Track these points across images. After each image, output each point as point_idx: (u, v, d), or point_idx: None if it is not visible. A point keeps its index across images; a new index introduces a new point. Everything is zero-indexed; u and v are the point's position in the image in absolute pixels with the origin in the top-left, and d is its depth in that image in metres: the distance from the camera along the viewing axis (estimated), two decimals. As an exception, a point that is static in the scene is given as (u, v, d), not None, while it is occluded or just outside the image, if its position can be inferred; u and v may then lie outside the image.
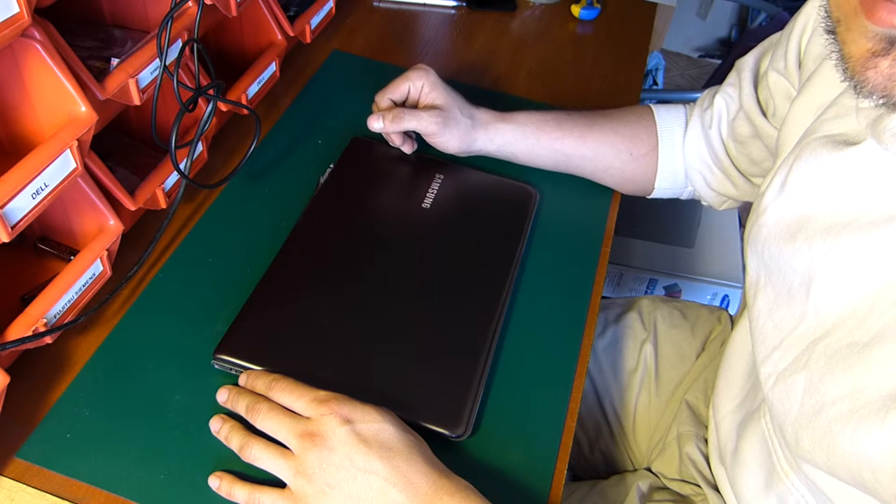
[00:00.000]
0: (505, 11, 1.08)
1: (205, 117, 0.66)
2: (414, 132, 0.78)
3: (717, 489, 0.67)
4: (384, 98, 0.76)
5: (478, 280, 0.67)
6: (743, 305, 0.66)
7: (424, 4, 1.07)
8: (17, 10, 0.46)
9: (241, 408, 0.55)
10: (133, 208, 0.62)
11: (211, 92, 0.65)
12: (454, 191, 0.76)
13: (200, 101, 0.67)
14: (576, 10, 1.09)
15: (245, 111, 0.74)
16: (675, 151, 0.77)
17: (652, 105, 0.79)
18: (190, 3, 0.62)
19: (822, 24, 0.42)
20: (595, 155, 0.77)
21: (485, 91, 0.93)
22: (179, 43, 0.61)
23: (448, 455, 0.53)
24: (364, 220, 0.71)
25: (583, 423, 0.83)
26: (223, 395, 0.56)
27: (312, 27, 0.88)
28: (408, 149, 0.78)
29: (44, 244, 0.63)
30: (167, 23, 0.58)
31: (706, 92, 0.77)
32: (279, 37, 0.81)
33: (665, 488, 0.74)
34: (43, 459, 0.53)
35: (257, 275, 0.65)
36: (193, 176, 0.71)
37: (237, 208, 0.73)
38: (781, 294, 0.51)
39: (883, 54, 0.37)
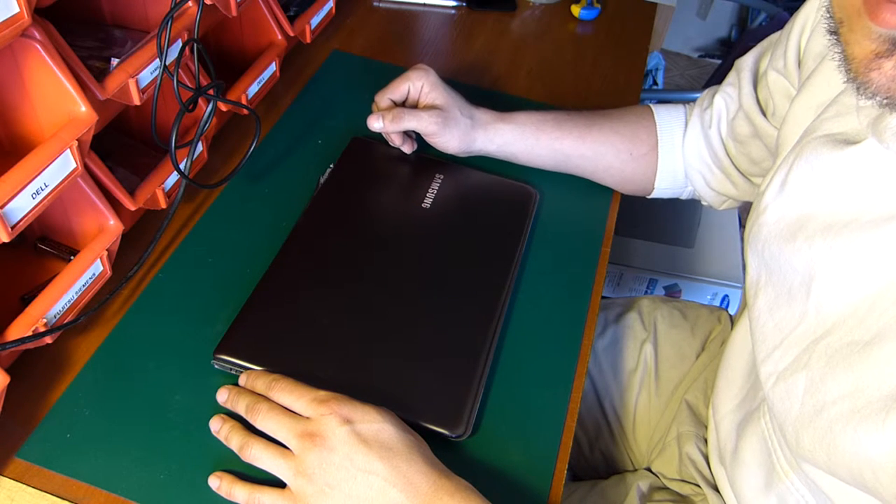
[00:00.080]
0: (505, 11, 1.08)
1: (205, 117, 0.66)
2: (414, 132, 0.78)
3: (716, 489, 0.67)
4: (384, 98, 0.76)
5: (478, 280, 0.67)
6: (743, 305, 0.66)
7: (424, 4, 1.07)
8: (17, 10, 0.46)
9: (241, 408, 0.55)
10: (133, 208, 0.62)
11: (211, 92, 0.65)
12: (454, 191, 0.76)
13: (200, 101, 0.67)
14: (576, 10, 1.09)
15: (245, 111, 0.74)
16: (675, 151, 0.77)
17: (652, 105, 0.79)
18: (190, 3, 0.62)
19: (825, 25, 0.42)
20: (595, 155, 0.77)
21: (485, 91, 0.93)
22: (179, 43, 0.61)
23: (448, 455, 0.53)
24: (364, 220, 0.71)
25: (583, 423, 0.83)
26: (223, 395, 0.57)
27: (312, 27, 0.88)
28: (408, 149, 0.78)
29: (44, 244, 0.63)
30: (167, 23, 0.58)
31: (706, 92, 0.77)
32: (279, 37, 0.81)
33: (665, 488, 0.74)
34: (43, 459, 0.53)
35: (257, 275, 0.65)
36: (193, 176, 0.71)
37: (237, 208, 0.73)
38: (782, 293, 0.51)
39: (887, 56, 0.37)
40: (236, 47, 0.84)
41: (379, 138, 0.79)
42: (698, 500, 0.69)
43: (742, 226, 1.49)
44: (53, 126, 0.53)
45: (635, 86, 0.98)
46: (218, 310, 0.63)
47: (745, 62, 0.71)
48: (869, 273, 0.45)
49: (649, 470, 0.77)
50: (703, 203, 0.80)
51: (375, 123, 0.74)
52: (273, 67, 0.80)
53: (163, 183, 0.65)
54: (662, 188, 0.79)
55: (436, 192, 0.75)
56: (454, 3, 1.07)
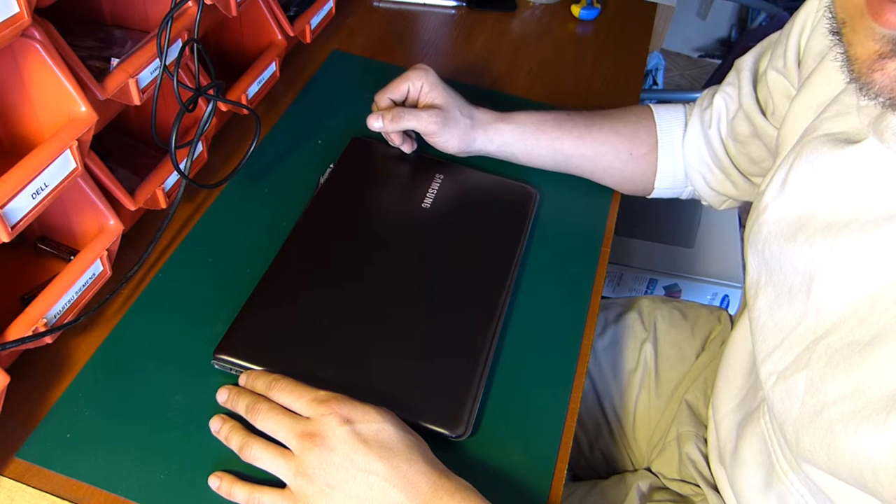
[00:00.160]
0: (505, 11, 1.08)
1: (205, 117, 0.66)
2: (414, 132, 0.78)
3: (716, 489, 0.66)
4: (384, 98, 0.76)
5: (478, 280, 0.67)
6: (743, 305, 0.66)
7: (424, 4, 1.07)
8: (17, 10, 0.46)
9: (241, 408, 0.55)
10: (133, 208, 0.62)
11: (211, 92, 0.65)
12: (454, 191, 0.76)
13: (200, 101, 0.67)
14: (576, 10, 1.09)
15: (245, 111, 0.74)
16: (675, 151, 0.77)
17: (652, 105, 0.79)
18: (190, 3, 0.62)
19: (827, 25, 0.42)
20: (595, 155, 0.77)
21: (485, 91, 0.93)
22: (179, 43, 0.61)
23: (448, 455, 0.53)
24: (364, 220, 0.71)
25: (583, 423, 0.83)
26: (223, 395, 0.56)
27: (312, 27, 0.88)
28: (407, 148, 0.78)
29: (44, 244, 0.63)
30: (167, 23, 0.58)
31: (706, 92, 0.77)
32: (279, 37, 0.81)
33: (665, 488, 0.74)
34: (43, 459, 0.53)
35: (257, 275, 0.65)
36: (193, 176, 0.71)
37: (237, 208, 0.73)
38: (782, 293, 0.51)
39: (890, 56, 0.37)
40: (236, 47, 0.84)
41: (379, 138, 0.79)
42: (698, 500, 0.69)
43: (742, 226, 1.49)
44: (53, 126, 0.53)
45: (635, 86, 0.98)
46: (218, 310, 0.63)
47: (745, 62, 0.71)
48: (869, 273, 0.45)
49: (649, 470, 0.77)
50: (703, 203, 0.80)
51: (375, 123, 0.75)
52: (273, 67, 0.80)
53: (163, 183, 0.65)
54: (662, 188, 0.79)
55: (436, 192, 0.75)
56: (454, 3, 1.07)
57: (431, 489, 0.49)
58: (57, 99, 0.52)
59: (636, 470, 0.80)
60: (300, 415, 0.53)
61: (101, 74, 0.56)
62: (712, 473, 0.68)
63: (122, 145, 0.72)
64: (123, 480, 0.52)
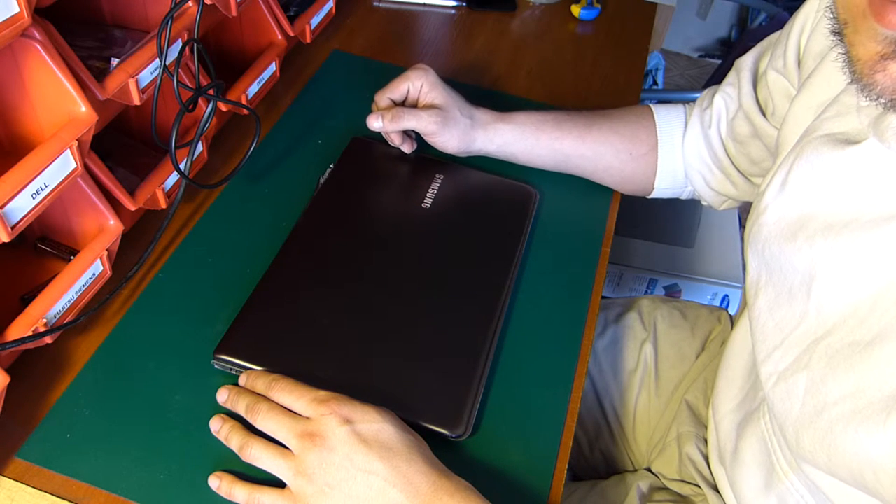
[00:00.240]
0: (505, 11, 1.08)
1: (205, 117, 0.66)
2: (414, 132, 0.78)
3: (716, 489, 0.66)
4: (383, 97, 0.76)
5: (478, 280, 0.67)
6: (743, 305, 0.66)
7: (424, 4, 1.07)
8: (17, 10, 0.46)
9: (241, 408, 0.55)
10: (133, 208, 0.62)
11: (211, 92, 0.65)
12: (454, 191, 0.76)
13: (200, 101, 0.67)
14: (576, 10, 1.09)
15: (245, 111, 0.74)
16: (675, 151, 0.77)
17: (652, 105, 0.79)
18: (190, 3, 0.62)
19: (828, 26, 0.42)
20: (594, 155, 0.77)
21: (485, 91, 0.93)
22: (179, 43, 0.61)
23: (448, 455, 0.53)
24: (364, 220, 0.71)
25: (583, 423, 0.83)
26: (223, 395, 0.56)
27: (312, 27, 0.88)
28: (407, 148, 0.78)
29: (44, 244, 0.63)
30: (167, 23, 0.58)
31: (706, 92, 0.77)
32: (279, 37, 0.81)
33: (665, 488, 0.74)
34: (43, 459, 0.53)
35: (257, 275, 0.65)
36: (193, 176, 0.71)
37: (237, 208, 0.73)
38: (782, 293, 0.51)
39: (892, 57, 0.37)
40: (236, 47, 0.84)
41: (379, 138, 0.79)
42: (698, 500, 0.69)
43: (742, 226, 1.49)
44: (53, 126, 0.53)
45: (635, 86, 0.98)
46: (218, 310, 0.63)
47: (745, 62, 0.71)
48: (870, 273, 0.44)
49: (649, 470, 0.77)
50: (703, 203, 0.80)
51: (375, 123, 0.75)
52: (273, 67, 0.80)
53: (163, 183, 0.65)
54: (662, 188, 0.79)
55: (436, 192, 0.75)
56: (454, 3, 1.07)
57: (431, 489, 0.49)
58: (57, 99, 0.52)
59: (636, 470, 0.80)
60: (300, 415, 0.53)
61: (101, 74, 0.56)
62: (712, 474, 0.68)
63: (122, 145, 0.72)
64: (123, 480, 0.52)
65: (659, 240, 1.41)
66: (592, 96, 0.95)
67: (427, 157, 0.79)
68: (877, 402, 0.42)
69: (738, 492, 0.60)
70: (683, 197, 0.81)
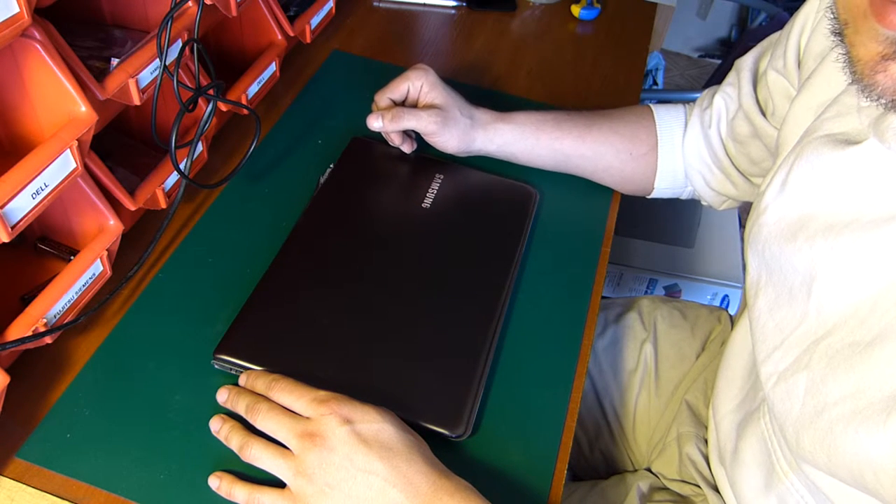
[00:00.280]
0: (505, 11, 1.08)
1: (205, 117, 0.66)
2: (413, 132, 0.78)
3: (716, 489, 0.66)
4: (383, 97, 0.76)
5: (478, 280, 0.67)
6: (743, 305, 0.66)
7: (424, 4, 1.07)
8: (17, 10, 0.46)
9: (240, 408, 0.55)
10: (133, 208, 0.62)
11: (211, 92, 0.65)
12: (454, 191, 0.76)
13: (200, 101, 0.67)
14: (576, 10, 1.09)
15: (245, 111, 0.74)
16: (675, 151, 0.77)
17: (652, 105, 0.79)
18: (190, 3, 0.62)
19: (828, 26, 0.42)
20: (594, 155, 0.77)
21: (485, 91, 0.93)
22: (179, 43, 0.61)
23: (448, 455, 0.53)
24: (364, 220, 0.71)
25: (583, 423, 0.83)
26: (223, 395, 0.56)
27: (312, 27, 0.88)
28: (407, 148, 0.78)
29: (44, 244, 0.63)
30: (167, 23, 0.58)
31: (706, 92, 0.77)
32: (279, 37, 0.81)
33: (665, 489, 0.74)
34: (43, 459, 0.53)
35: (257, 275, 0.65)
36: (193, 176, 0.71)
37: (237, 208, 0.73)
38: (782, 293, 0.51)
39: (893, 58, 0.37)
40: (236, 47, 0.84)
41: (379, 138, 0.79)
42: (698, 500, 0.69)
43: (742, 226, 1.49)
44: (53, 126, 0.53)
45: (635, 86, 0.98)
46: (218, 310, 0.63)
47: (745, 62, 0.71)
48: (870, 273, 0.44)
49: (649, 470, 0.77)
50: (703, 203, 0.80)
51: (375, 123, 0.74)
52: (273, 67, 0.80)
53: (163, 183, 0.65)
54: (662, 188, 0.79)
55: (436, 192, 0.75)
56: (454, 3, 1.07)
57: (431, 489, 0.49)
58: (57, 99, 0.52)
59: (636, 470, 0.80)
60: (300, 415, 0.53)
61: (101, 74, 0.56)
62: (712, 474, 0.68)
63: (122, 145, 0.72)
64: (123, 480, 0.52)
65: (659, 240, 1.41)
66: (592, 96, 0.95)
67: (427, 157, 0.79)
68: (877, 403, 0.42)
69: (739, 492, 0.60)
70: (683, 197, 0.81)
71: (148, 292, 0.64)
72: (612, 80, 0.98)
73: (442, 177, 0.77)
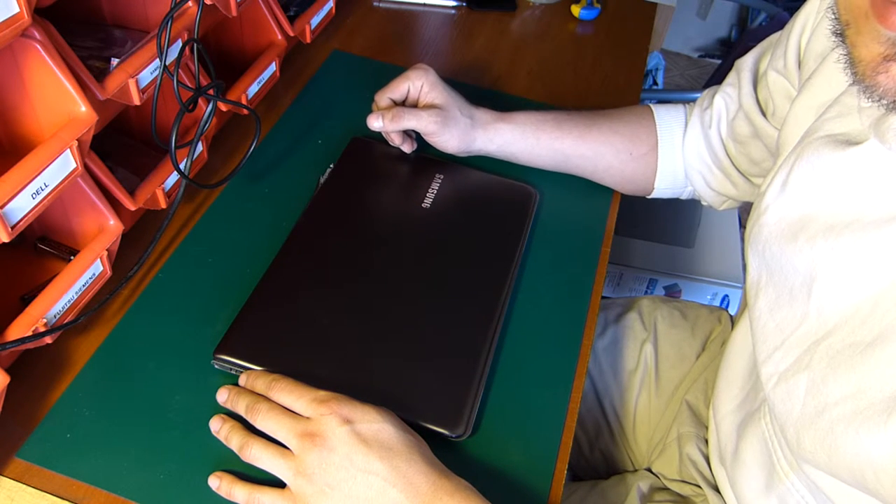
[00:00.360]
0: (505, 11, 1.08)
1: (205, 117, 0.66)
2: (414, 132, 0.78)
3: (717, 490, 0.66)
4: (384, 97, 0.76)
5: (478, 280, 0.67)
6: (743, 305, 0.66)
7: (424, 4, 1.07)
8: (17, 10, 0.46)
9: (240, 408, 0.55)
10: (133, 208, 0.62)
11: (211, 92, 0.65)
12: (454, 191, 0.76)
13: (200, 101, 0.67)
14: (576, 10, 1.09)
15: (245, 111, 0.74)
16: (675, 151, 0.77)
17: (652, 105, 0.79)
18: (190, 3, 0.62)
19: (829, 26, 0.42)
20: (594, 155, 0.77)
21: (485, 91, 0.93)
22: (179, 43, 0.61)
23: (448, 455, 0.53)
24: (364, 220, 0.71)
25: (583, 423, 0.83)
26: (223, 395, 0.56)
27: (312, 27, 0.87)
28: (407, 148, 0.78)
29: (44, 244, 0.63)
30: (167, 23, 0.58)
31: (706, 92, 0.77)
32: (279, 37, 0.81)
33: (665, 489, 0.74)
34: (43, 459, 0.53)
35: (257, 275, 0.65)
36: (193, 176, 0.71)
37: (237, 208, 0.73)
38: (783, 294, 0.51)
39: (895, 59, 0.37)
40: (236, 47, 0.84)
41: (379, 138, 0.79)
42: (699, 500, 0.69)
43: (742, 226, 1.49)
44: (53, 126, 0.53)
45: (635, 86, 0.98)
46: (218, 310, 0.63)
47: (745, 62, 0.71)
48: (871, 274, 0.44)
49: (649, 470, 0.77)
50: (703, 203, 0.80)
51: (375, 123, 0.74)
52: (273, 67, 0.80)
53: (163, 183, 0.65)
54: (662, 188, 0.79)
55: (436, 191, 0.75)
56: (454, 3, 1.07)
57: (431, 489, 0.49)
58: (57, 99, 0.52)
59: (636, 470, 0.80)
60: (300, 415, 0.53)
61: (101, 74, 0.56)
62: (713, 474, 0.68)
63: (122, 145, 0.72)
64: (123, 480, 0.52)
65: (659, 240, 1.41)
66: (592, 96, 0.95)
67: (427, 157, 0.79)
68: (878, 403, 0.42)
69: (739, 492, 0.60)
70: (683, 197, 0.81)
71: (148, 292, 0.64)
72: (612, 80, 0.98)
73: (442, 177, 0.77)
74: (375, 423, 0.51)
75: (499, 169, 0.79)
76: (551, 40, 1.04)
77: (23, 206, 0.49)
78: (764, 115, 0.68)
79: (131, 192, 0.62)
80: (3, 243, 0.49)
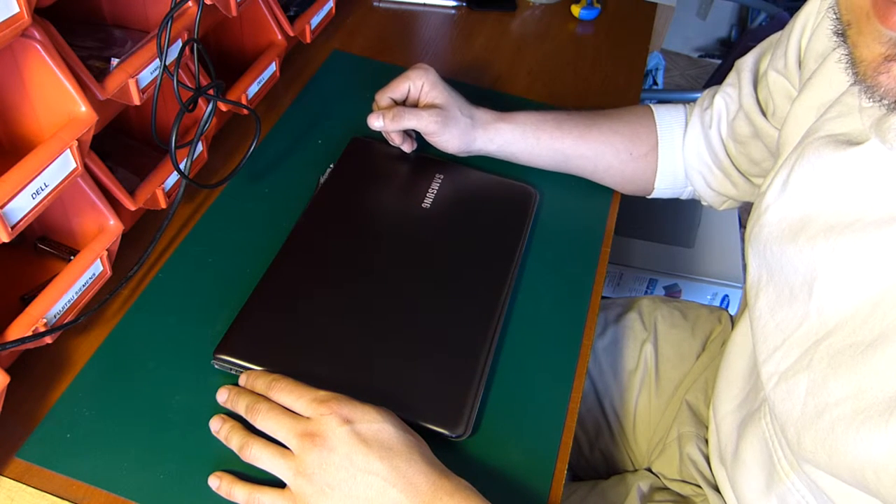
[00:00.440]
0: (505, 11, 1.08)
1: (205, 117, 0.66)
2: (414, 131, 0.78)
3: (717, 490, 0.66)
4: (384, 97, 0.76)
5: (478, 280, 0.67)
6: (743, 305, 0.66)
7: (424, 4, 1.07)
8: (17, 10, 0.46)
9: (240, 408, 0.55)
10: (133, 208, 0.62)
11: (211, 92, 0.65)
12: (454, 191, 0.76)
13: (200, 101, 0.67)
14: (576, 10, 1.09)
15: (245, 111, 0.74)
16: (675, 151, 0.77)
17: (652, 105, 0.79)
18: (190, 3, 0.62)
19: (830, 26, 0.42)
20: (595, 155, 0.77)
21: (485, 91, 0.93)
22: (179, 43, 0.61)
23: (448, 455, 0.53)
24: (364, 220, 0.71)
25: (583, 423, 0.83)
26: (223, 395, 0.56)
27: (312, 27, 0.87)
28: (407, 148, 0.78)
29: (44, 244, 0.63)
30: (167, 23, 0.58)
31: (706, 92, 0.77)
32: (279, 37, 0.81)
33: (665, 489, 0.74)
34: (43, 459, 0.53)
35: (257, 275, 0.65)
36: (193, 176, 0.71)
37: (237, 208, 0.73)
38: (783, 294, 0.51)
39: None
40: (236, 47, 0.84)
41: (379, 138, 0.79)
42: (699, 500, 0.69)
43: (742, 226, 1.49)
44: (53, 126, 0.53)
45: (635, 86, 0.98)
46: (218, 310, 0.63)
47: (746, 62, 0.71)
48: (871, 274, 0.44)
49: (650, 470, 0.77)
50: (703, 203, 0.80)
51: (376, 122, 0.74)
52: (273, 67, 0.80)
53: (163, 183, 0.65)
54: (662, 188, 0.79)
55: (436, 191, 0.75)
56: (454, 3, 1.07)
57: (431, 489, 0.49)
58: (57, 99, 0.52)
59: (636, 470, 0.80)
60: (300, 415, 0.53)
61: (101, 74, 0.56)
62: (713, 474, 0.68)
63: (122, 145, 0.72)
64: (123, 480, 0.52)
65: (659, 240, 1.41)
66: (592, 96, 0.95)
67: (427, 157, 0.79)
68: (878, 403, 0.42)
69: (739, 492, 0.60)
70: (683, 197, 0.81)
71: (148, 292, 0.64)
72: (612, 80, 0.98)
73: (442, 177, 0.77)
74: (375, 423, 0.51)
75: (499, 169, 0.79)
76: (551, 40, 1.04)
77: (23, 206, 0.49)
78: (764, 115, 0.68)
79: (131, 192, 0.62)
80: (3, 243, 0.49)
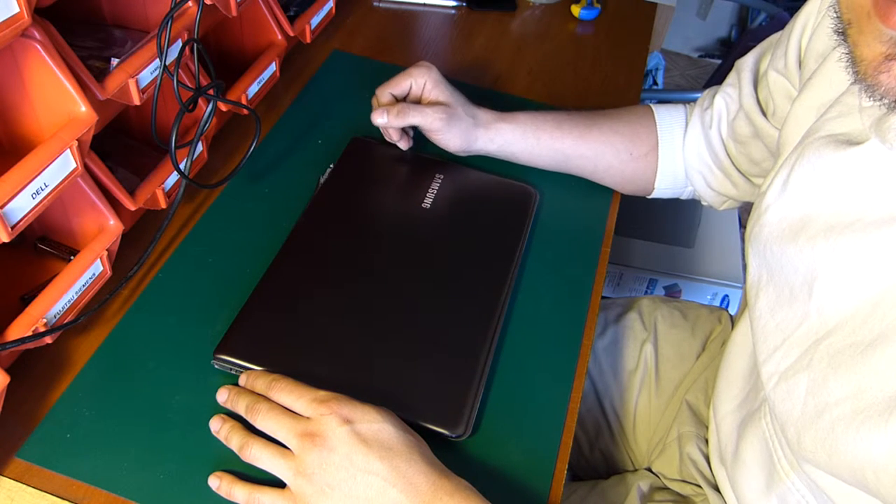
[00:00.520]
0: (505, 11, 1.08)
1: (205, 117, 0.66)
2: (412, 129, 0.78)
3: (717, 489, 0.66)
4: (385, 92, 0.76)
5: (478, 280, 0.67)
6: (744, 305, 0.66)
7: (424, 4, 1.07)
8: (17, 10, 0.46)
9: (240, 408, 0.55)
10: (133, 208, 0.62)
11: (211, 92, 0.65)
12: (454, 191, 0.76)
13: (200, 101, 0.67)
14: (576, 10, 1.09)
15: (245, 111, 0.74)
16: (675, 151, 0.77)
17: (652, 105, 0.79)
18: (190, 3, 0.62)
19: (831, 25, 0.42)
20: (595, 155, 0.77)
21: (485, 91, 0.93)
22: (179, 43, 0.61)
23: (448, 455, 0.53)
24: (364, 220, 0.71)
25: (583, 423, 0.83)
26: (223, 395, 0.56)
27: (312, 27, 0.87)
28: (404, 145, 0.78)
29: (44, 244, 0.63)
30: (167, 23, 0.58)
31: (706, 92, 0.77)
32: (279, 37, 0.81)
33: (665, 488, 0.74)
34: (43, 459, 0.53)
35: (257, 275, 0.65)
36: (193, 176, 0.71)
37: (237, 208, 0.73)
38: (783, 294, 0.51)
39: None
40: (236, 47, 0.84)
41: (379, 138, 0.79)
42: (699, 500, 0.69)
43: (742, 226, 1.49)
44: (53, 126, 0.53)
45: (635, 86, 0.98)
46: (218, 310, 0.63)
47: (746, 62, 0.71)
48: (871, 274, 0.44)
49: (650, 470, 0.77)
50: (704, 203, 0.80)
51: (379, 119, 0.74)
52: (273, 67, 0.80)
53: (163, 183, 0.65)
54: (662, 188, 0.79)
55: (436, 191, 0.75)
56: (454, 3, 1.07)
57: (431, 489, 0.49)
58: (57, 99, 0.52)
59: (636, 470, 0.80)
60: (300, 415, 0.53)
61: (101, 74, 0.56)
62: (713, 473, 0.68)
63: (122, 145, 0.72)
64: (123, 480, 0.52)
65: (659, 240, 1.41)
66: (592, 96, 0.95)
67: (427, 157, 0.79)
68: (878, 403, 0.42)
69: (739, 492, 0.60)
70: (683, 197, 0.81)
71: (148, 292, 0.64)
72: (612, 80, 0.98)
73: (442, 177, 0.77)
74: (375, 423, 0.51)
75: (499, 169, 0.79)
76: (551, 40, 1.04)
77: (23, 206, 0.49)
78: (764, 115, 0.68)
79: (131, 192, 0.62)
80: (3, 243, 0.49)
